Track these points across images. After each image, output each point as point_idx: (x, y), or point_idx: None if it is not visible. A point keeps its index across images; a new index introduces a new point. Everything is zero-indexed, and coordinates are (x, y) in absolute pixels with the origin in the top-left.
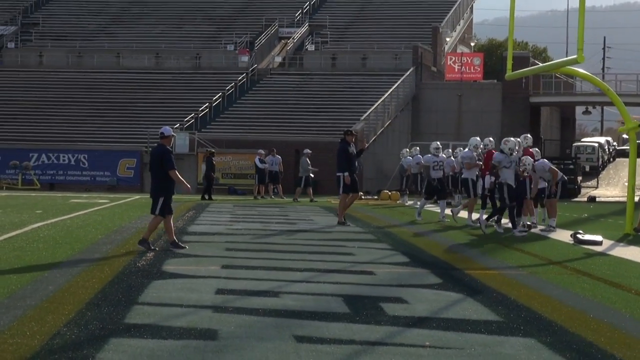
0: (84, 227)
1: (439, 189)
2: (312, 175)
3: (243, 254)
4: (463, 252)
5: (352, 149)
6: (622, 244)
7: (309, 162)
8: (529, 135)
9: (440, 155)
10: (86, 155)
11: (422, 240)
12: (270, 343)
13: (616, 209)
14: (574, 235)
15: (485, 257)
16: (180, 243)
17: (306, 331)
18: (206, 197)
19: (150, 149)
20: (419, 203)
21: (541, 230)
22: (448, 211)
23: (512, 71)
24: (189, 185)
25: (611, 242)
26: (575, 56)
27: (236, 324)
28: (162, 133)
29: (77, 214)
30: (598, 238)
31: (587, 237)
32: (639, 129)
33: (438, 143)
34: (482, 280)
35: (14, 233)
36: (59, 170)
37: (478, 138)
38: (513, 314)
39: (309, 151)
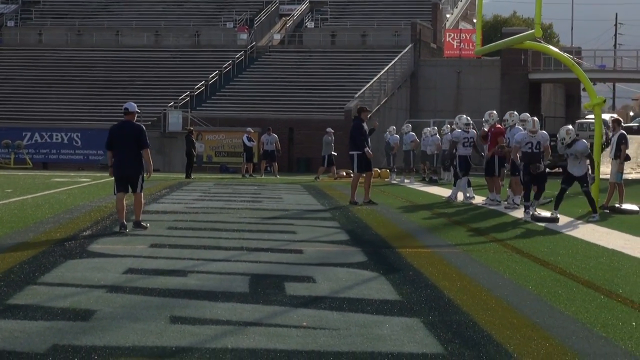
0: (39, 207)
1: (467, 166)
2: (334, 154)
3: (180, 233)
4: (410, 230)
5: (367, 126)
6: (580, 222)
7: (331, 140)
8: (494, 112)
9: (470, 131)
10: (79, 134)
11: (376, 218)
12: (141, 324)
13: (605, 186)
14: (531, 213)
15: (428, 235)
16: (142, 223)
17: (187, 312)
18: (191, 175)
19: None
20: (406, 180)
21: (505, 207)
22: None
23: (481, 47)
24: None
25: (571, 219)
26: (533, 30)
27: (121, 304)
28: (126, 109)
29: (44, 192)
30: (554, 215)
31: (543, 214)
32: (604, 104)
33: (468, 118)
34: (408, 258)
35: None
36: (52, 149)
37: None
38: (416, 293)
39: (331, 130)
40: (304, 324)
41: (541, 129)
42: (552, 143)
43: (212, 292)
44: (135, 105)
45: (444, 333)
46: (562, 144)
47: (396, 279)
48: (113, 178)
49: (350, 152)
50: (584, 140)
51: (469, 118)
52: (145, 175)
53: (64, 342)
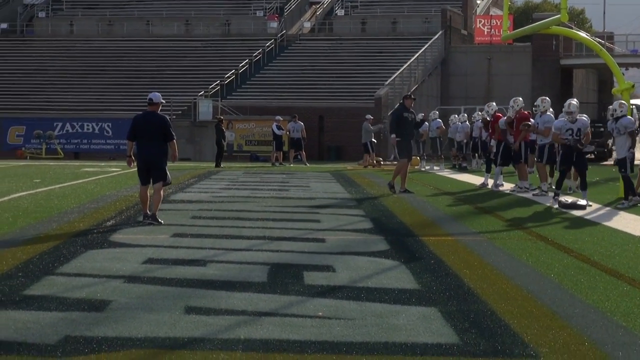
0: (65, 197)
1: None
2: (374, 141)
3: (204, 222)
4: (435, 218)
5: (410, 114)
6: (607, 209)
7: (371, 127)
8: (519, 98)
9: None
10: (110, 124)
11: (401, 206)
12: (155, 315)
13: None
14: (558, 200)
15: (453, 223)
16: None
17: (203, 302)
18: (221, 164)
19: (173, 116)
20: (435, 168)
21: (533, 194)
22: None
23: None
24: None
25: (599, 206)
26: (559, 15)
27: (137, 295)
28: (150, 99)
29: (72, 182)
30: (582, 202)
31: (571, 201)
32: (633, 89)
33: (576, 102)
34: (431, 246)
35: None
36: (83, 139)
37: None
38: (436, 282)
39: (370, 117)
40: (320, 314)
41: (582, 115)
42: (591, 129)
43: (230, 282)
44: (160, 95)
45: (461, 323)
46: (612, 116)
47: (417, 267)
48: (135, 169)
49: (392, 135)
50: (631, 117)
51: (543, 99)
52: (170, 160)
53: (76, 333)
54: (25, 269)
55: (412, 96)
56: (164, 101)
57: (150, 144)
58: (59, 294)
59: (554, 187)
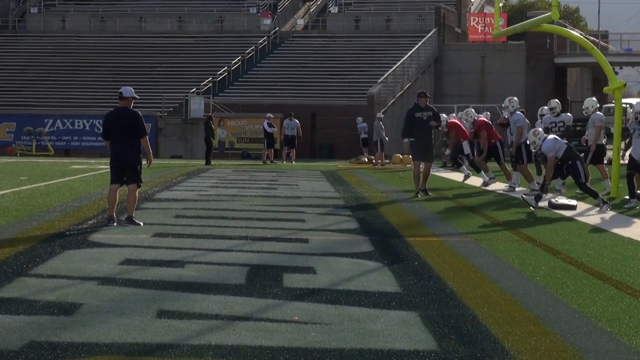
0: (49, 195)
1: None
2: (386, 139)
3: (186, 221)
4: (422, 218)
5: (425, 112)
6: (598, 208)
7: (382, 125)
8: (514, 98)
9: (561, 115)
10: (101, 121)
11: (389, 206)
12: (126, 319)
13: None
14: (548, 200)
15: (440, 223)
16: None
17: (176, 306)
18: (211, 161)
19: (164, 114)
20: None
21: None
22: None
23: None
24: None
25: (589, 206)
26: (550, 13)
27: (110, 297)
28: (120, 93)
29: (58, 180)
30: (572, 202)
31: (561, 201)
32: (624, 89)
33: (556, 101)
34: (416, 248)
35: None
36: (73, 136)
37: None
38: (418, 285)
39: (381, 115)
40: (295, 318)
41: (567, 113)
42: (577, 128)
43: (206, 284)
44: (132, 89)
45: (441, 328)
46: (637, 118)
47: (400, 269)
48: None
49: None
50: None
51: (557, 101)
52: (145, 163)
53: (41, 338)
54: None
55: (427, 94)
56: (137, 96)
57: (122, 142)
58: (29, 297)
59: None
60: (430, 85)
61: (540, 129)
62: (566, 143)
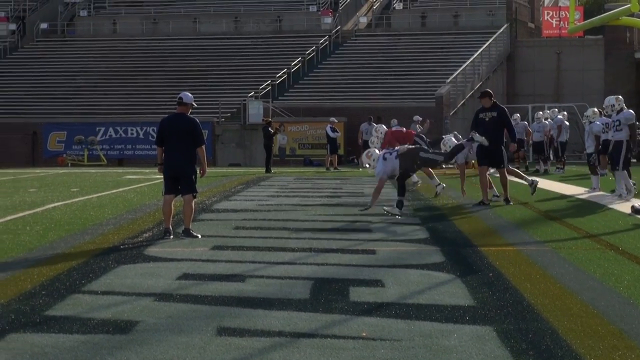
0: (102, 207)
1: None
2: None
3: (247, 233)
4: (496, 226)
5: (488, 113)
6: None
7: (419, 128)
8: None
9: (623, 112)
10: (155, 128)
11: (461, 213)
12: (184, 337)
13: None
14: (632, 205)
15: (516, 231)
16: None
17: (237, 322)
18: (271, 169)
19: (221, 119)
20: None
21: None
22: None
23: (577, 25)
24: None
25: None
26: (629, 5)
27: (167, 314)
28: (180, 98)
29: (111, 191)
30: None
31: None
32: None
33: (616, 97)
34: (490, 258)
35: (22, 214)
36: (127, 144)
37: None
38: (494, 297)
39: (419, 118)
40: (363, 334)
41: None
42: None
43: (268, 300)
44: (192, 96)
45: (518, 343)
46: None
47: (473, 281)
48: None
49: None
50: None
51: (619, 97)
52: (199, 174)
53: (96, 358)
54: (50, 286)
55: (490, 92)
56: (194, 103)
57: (177, 150)
58: (83, 315)
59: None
60: (502, 85)
61: None
62: None
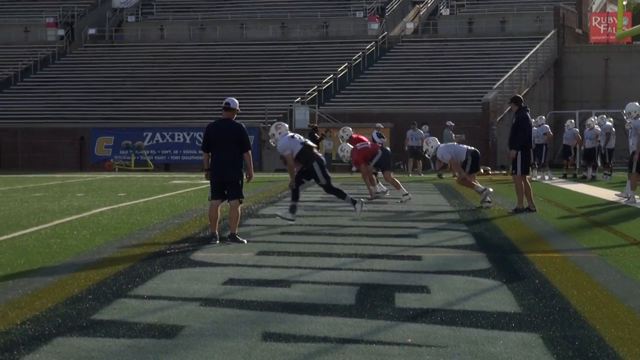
0: (148, 212)
1: None
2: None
3: (293, 238)
4: (543, 232)
5: (514, 118)
6: None
7: (452, 134)
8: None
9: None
10: (202, 134)
11: (507, 219)
12: (230, 341)
13: None
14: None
15: (562, 238)
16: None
17: (283, 328)
18: None
19: (267, 125)
20: (546, 177)
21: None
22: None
23: (625, 31)
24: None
25: None
26: None
27: (213, 319)
28: (227, 104)
29: (158, 196)
30: None
31: None
32: None
33: (636, 104)
34: (536, 264)
35: (69, 218)
36: (173, 149)
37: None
38: (540, 304)
39: (451, 123)
40: (409, 340)
41: None
42: None
43: (314, 305)
44: (238, 102)
45: (564, 350)
46: None
47: (519, 288)
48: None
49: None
50: None
51: None
52: (245, 179)
53: None
54: (97, 291)
55: (514, 97)
56: (239, 109)
57: (224, 155)
58: (129, 319)
59: None
60: (549, 91)
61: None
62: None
